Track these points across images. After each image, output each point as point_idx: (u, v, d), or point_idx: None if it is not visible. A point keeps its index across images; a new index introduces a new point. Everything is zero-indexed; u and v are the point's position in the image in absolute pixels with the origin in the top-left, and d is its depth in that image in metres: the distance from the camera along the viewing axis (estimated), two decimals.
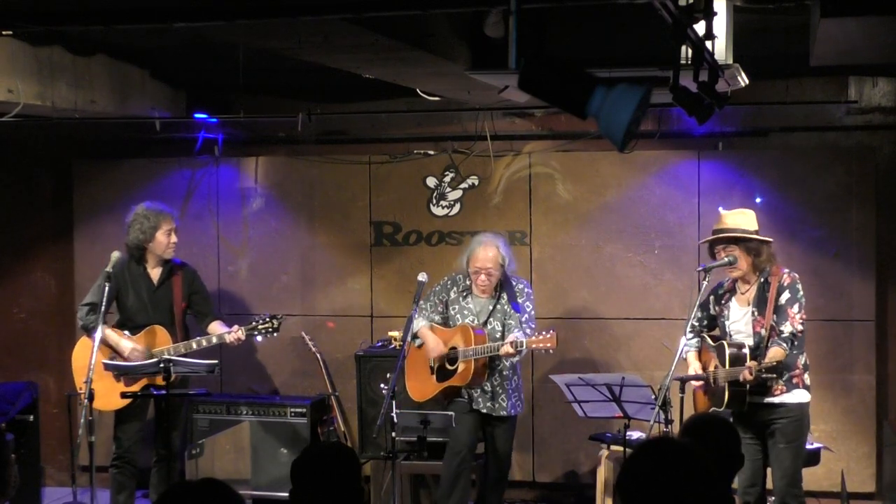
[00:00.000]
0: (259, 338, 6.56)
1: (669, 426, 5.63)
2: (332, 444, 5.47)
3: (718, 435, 3.70)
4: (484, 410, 6.26)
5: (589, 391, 5.95)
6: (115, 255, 6.33)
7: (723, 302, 5.88)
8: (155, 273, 6.58)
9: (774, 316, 5.63)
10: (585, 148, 7.34)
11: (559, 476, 7.45)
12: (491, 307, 6.30)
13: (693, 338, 5.97)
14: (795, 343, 5.61)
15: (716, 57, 4.28)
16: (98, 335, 6.01)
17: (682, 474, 2.69)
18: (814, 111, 7.06)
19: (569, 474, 7.43)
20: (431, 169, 7.58)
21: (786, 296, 5.64)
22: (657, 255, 7.26)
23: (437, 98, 6.88)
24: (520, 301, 6.29)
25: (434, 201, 7.57)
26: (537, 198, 7.43)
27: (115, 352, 6.41)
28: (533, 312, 6.36)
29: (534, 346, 5.99)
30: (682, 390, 5.68)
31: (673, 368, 5.51)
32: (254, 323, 6.49)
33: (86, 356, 6.07)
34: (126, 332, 6.46)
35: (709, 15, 3.78)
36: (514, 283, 6.34)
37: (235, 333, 6.43)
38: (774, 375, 5.52)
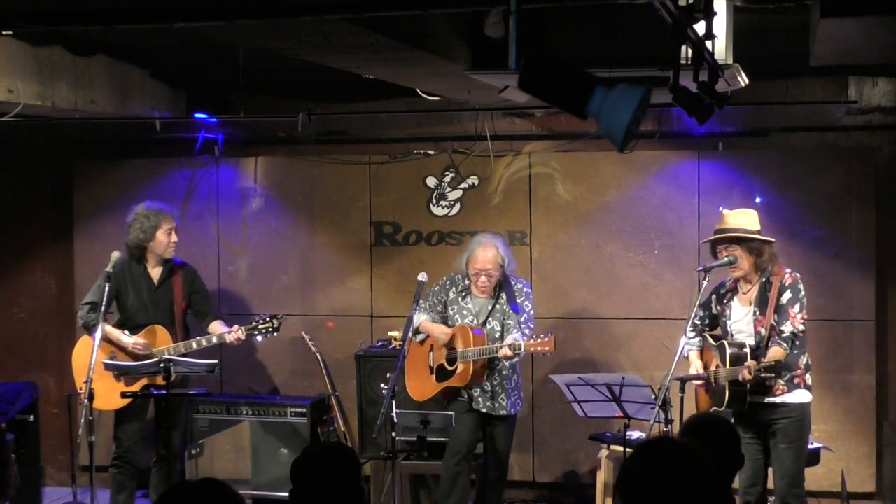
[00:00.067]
0: (259, 338, 6.56)
1: (669, 426, 5.62)
2: (332, 444, 5.48)
3: (718, 435, 3.70)
4: (484, 410, 6.26)
5: (589, 391, 5.95)
6: (115, 254, 6.32)
7: (725, 301, 5.88)
8: (155, 273, 6.58)
9: (775, 316, 5.63)
10: (585, 148, 7.34)
11: (559, 476, 7.45)
12: (490, 307, 6.29)
13: (695, 337, 5.97)
14: (797, 343, 5.61)
15: (716, 57, 4.28)
16: (98, 334, 6.01)
17: (682, 474, 2.68)
18: (814, 111, 7.06)
19: (569, 474, 7.42)
20: (431, 169, 7.58)
21: (787, 296, 5.64)
22: (657, 255, 7.26)
23: (437, 98, 6.88)
24: (519, 301, 6.29)
25: (434, 201, 7.57)
26: (537, 198, 7.43)
27: (116, 350, 6.41)
28: (532, 312, 6.36)
29: (532, 349, 5.99)
30: (682, 390, 5.68)
31: (673, 368, 5.51)
32: (254, 323, 6.49)
33: (86, 356, 6.07)
34: (126, 332, 6.46)
35: (709, 15, 3.78)
36: (512, 283, 6.34)
37: (235, 333, 6.43)
38: (773, 375, 5.52)
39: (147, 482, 6.74)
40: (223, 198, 7.80)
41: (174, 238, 6.56)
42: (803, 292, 5.68)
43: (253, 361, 7.79)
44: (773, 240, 5.79)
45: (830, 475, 6.82)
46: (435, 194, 7.57)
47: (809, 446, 6.01)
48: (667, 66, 4.04)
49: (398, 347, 6.63)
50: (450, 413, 6.09)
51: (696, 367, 5.90)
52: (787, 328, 5.58)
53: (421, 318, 6.33)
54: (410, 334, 6.14)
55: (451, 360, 6.25)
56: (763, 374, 5.47)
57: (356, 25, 4.34)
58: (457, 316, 6.34)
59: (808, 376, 5.70)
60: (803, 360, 5.69)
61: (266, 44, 5.02)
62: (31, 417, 6.88)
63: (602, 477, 6.73)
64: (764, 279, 5.72)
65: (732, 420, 5.50)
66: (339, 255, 7.71)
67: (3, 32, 4.79)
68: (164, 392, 6.08)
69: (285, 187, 7.76)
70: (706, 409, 5.76)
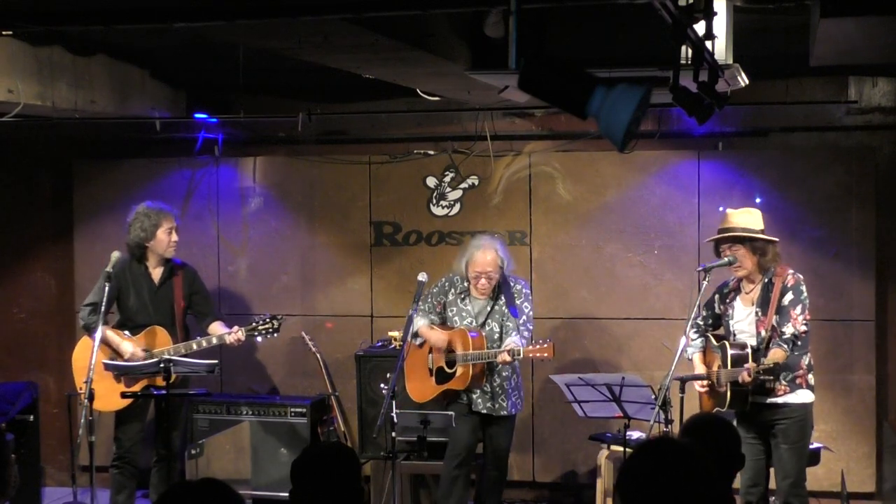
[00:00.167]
0: (259, 338, 6.56)
1: (669, 426, 5.62)
2: (332, 444, 5.47)
3: (718, 435, 3.70)
4: (484, 411, 6.26)
5: (589, 391, 5.95)
6: (116, 254, 6.32)
7: (727, 301, 5.87)
8: (157, 273, 6.58)
9: (776, 316, 5.62)
10: (585, 148, 7.34)
11: (559, 476, 7.45)
12: (489, 308, 6.29)
13: (698, 337, 5.97)
14: (798, 344, 5.61)
15: (716, 57, 4.28)
16: (98, 335, 6.01)
17: (682, 474, 2.68)
18: (814, 111, 7.06)
19: (569, 474, 7.42)
20: (431, 169, 7.58)
21: (789, 297, 5.64)
22: (657, 255, 7.26)
23: (437, 98, 6.87)
24: (518, 303, 6.27)
25: (434, 201, 7.57)
26: (537, 198, 7.43)
27: (115, 353, 6.41)
28: (531, 313, 6.35)
29: (530, 355, 6.00)
30: (683, 390, 5.67)
31: (673, 368, 5.50)
32: (254, 323, 6.48)
33: (86, 356, 6.06)
34: (126, 333, 6.46)
35: (709, 15, 3.78)
36: (512, 284, 6.33)
37: (235, 335, 6.43)
38: (772, 377, 5.52)
39: (147, 482, 6.74)
40: (223, 198, 7.80)
41: (175, 237, 6.56)
42: (806, 293, 5.68)
43: (253, 361, 7.79)
44: (776, 240, 5.79)
45: (830, 475, 6.82)
46: (435, 194, 7.57)
47: (810, 446, 6.01)
48: (667, 66, 4.03)
49: (398, 347, 6.63)
50: (450, 413, 6.08)
51: (699, 370, 5.89)
52: (788, 329, 5.57)
53: (419, 323, 6.32)
54: (409, 338, 6.13)
55: (451, 363, 6.25)
56: (762, 377, 5.47)
57: (356, 25, 4.34)
58: (456, 317, 6.33)
59: (810, 376, 5.70)
60: (806, 360, 5.69)
61: (266, 44, 5.02)
62: (31, 417, 6.88)
63: (602, 477, 6.73)
64: (766, 279, 5.72)
65: (735, 421, 5.50)
66: (339, 255, 7.71)
67: (3, 32, 4.79)
68: (164, 392, 6.08)
69: (285, 187, 7.76)
70: (709, 410, 5.75)
